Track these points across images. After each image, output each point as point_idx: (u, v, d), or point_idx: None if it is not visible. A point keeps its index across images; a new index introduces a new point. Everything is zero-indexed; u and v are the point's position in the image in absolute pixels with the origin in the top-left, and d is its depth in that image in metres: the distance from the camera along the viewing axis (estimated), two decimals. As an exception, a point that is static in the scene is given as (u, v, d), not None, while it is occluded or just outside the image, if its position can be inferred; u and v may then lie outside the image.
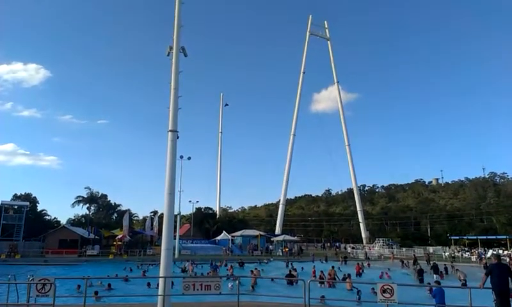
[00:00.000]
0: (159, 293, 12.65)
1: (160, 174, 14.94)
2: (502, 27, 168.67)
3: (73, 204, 71.80)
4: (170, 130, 14.11)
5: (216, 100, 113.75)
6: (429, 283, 19.86)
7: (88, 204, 72.83)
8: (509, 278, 10.35)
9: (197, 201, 74.14)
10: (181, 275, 26.24)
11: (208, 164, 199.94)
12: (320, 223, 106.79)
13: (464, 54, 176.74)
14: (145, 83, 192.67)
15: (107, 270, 30.23)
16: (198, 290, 12.24)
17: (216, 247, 61.30)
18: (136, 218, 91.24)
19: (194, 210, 79.24)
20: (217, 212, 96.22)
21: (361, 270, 34.02)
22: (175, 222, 43.02)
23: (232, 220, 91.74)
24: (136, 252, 49.63)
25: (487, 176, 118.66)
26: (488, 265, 18.62)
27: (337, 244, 79.56)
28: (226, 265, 35.46)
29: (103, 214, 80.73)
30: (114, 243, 53.73)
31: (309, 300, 11.92)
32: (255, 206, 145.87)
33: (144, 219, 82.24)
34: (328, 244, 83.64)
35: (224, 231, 66.15)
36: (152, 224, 64.21)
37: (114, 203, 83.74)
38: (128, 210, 76.12)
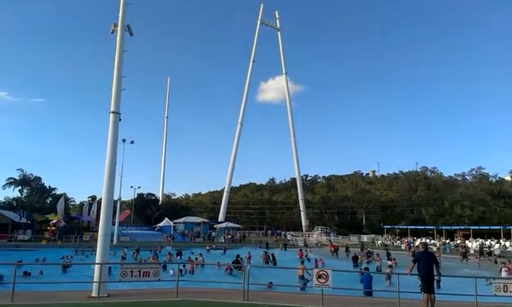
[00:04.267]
0: (95, 280, 12.32)
1: (101, 158, 14.38)
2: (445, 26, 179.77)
3: (3, 186, 68.32)
4: (112, 112, 13.68)
5: (162, 84, 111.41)
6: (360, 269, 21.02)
7: (20, 187, 69.08)
8: (434, 265, 11.23)
9: (139, 187, 72.59)
10: (119, 262, 25.50)
11: (153, 149, 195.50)
12: (263, 211, 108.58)
13: (406, 51, 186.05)
14: (88, 62, 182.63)
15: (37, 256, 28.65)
16: (136, 276, 12.07)
17: (157, 233, 60.41)
18: (72, 203, 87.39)
19: (136, 195, 77.47)
20: (160, 198, 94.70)
21: (304, 257, 35.23)
22: (115, 207, 41.67)
23: (175, 207, 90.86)
24: (71, 238, 47.57)
25: (419, 170, 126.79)
26: (415, 253, 20.09)
27: (278, 232, 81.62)
28: (160, 252, 34.99)
29: (36, 198, 76.37)
30: (48, 228, 51.18)
31: (248, 286, 12.22)
32: (200, 193, 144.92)
33: (82, 204, 79.17)
34: (270, 231, 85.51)
35: (166, 218, 65.25)
36: (89, 210, 62.05)
37: (49, 186, 79.61)
38: (64, 194, 73.01)
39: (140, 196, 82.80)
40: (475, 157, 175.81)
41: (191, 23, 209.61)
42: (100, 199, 26.60)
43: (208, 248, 43.75)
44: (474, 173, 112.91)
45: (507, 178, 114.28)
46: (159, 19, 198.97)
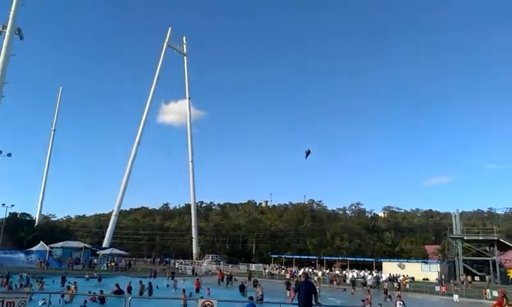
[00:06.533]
0: None
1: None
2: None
3: None
4: (-14, 121, 12.30)
5: (53, 94, 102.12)
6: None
7: None
8: (313, 295, 11.98)
9: (12, 206, 64.85)
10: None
11: (34, 165, 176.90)
12: (153, 237, 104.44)
13: (308, 81, 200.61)
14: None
15: None
16: (-2, 307, 10.74)
17: (30, 258, 54.10)
18: None
19: (8, 215, 68.79)
20: (37, 219, 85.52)
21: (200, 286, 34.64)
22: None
23: (54, 230, 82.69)
24: None
25: (306, 203, 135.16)
26: (298, 282, 21.24)
27: (167, 259, 79.20)
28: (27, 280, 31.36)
29: None
30: None
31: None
32: (84, 215, 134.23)
33: None
34: (158, 259, 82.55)
35: (42, 242, 58.84)
36: None
37: None
38: None
39: (13, 215, 74.01)
40: (354, 192, 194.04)
41: (94, 37, 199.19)
42: (-39, 217, 23.17)
43: (87, 276, 40.46)
44: (353, 208, 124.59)
45: (381, 214, 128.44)
46: (52, 26, 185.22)
